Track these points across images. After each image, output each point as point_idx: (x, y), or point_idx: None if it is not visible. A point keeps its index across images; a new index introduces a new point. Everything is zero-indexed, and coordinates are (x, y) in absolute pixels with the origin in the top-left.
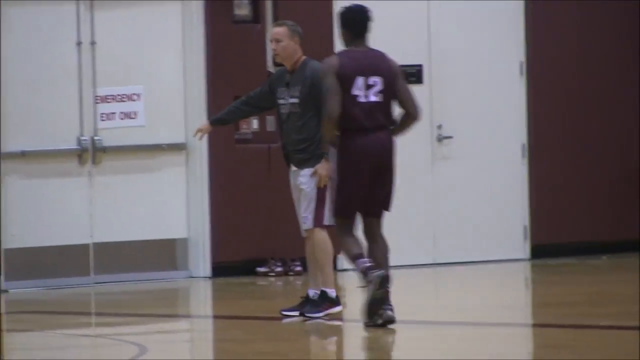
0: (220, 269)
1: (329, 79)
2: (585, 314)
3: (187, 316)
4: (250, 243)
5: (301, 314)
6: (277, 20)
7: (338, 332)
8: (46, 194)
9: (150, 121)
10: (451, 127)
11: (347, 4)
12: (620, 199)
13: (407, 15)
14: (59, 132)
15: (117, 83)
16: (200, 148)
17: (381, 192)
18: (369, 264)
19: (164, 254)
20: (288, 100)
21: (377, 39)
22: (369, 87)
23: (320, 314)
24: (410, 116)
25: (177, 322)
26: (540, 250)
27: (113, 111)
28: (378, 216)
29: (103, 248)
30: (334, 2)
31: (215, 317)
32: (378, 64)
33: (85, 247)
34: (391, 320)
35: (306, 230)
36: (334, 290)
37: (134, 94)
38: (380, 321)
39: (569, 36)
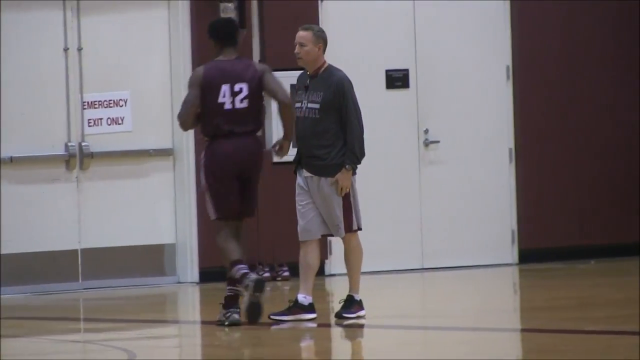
0: (208, 275)
1: (190, 90)
2: (574, 319)
3: (176, 322)
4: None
5: (337, 315)
6: (262, 24)
7: (326, 337)
8: (34, 199)
9: (137, 127)
10: (438, 131)
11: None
12: (608, 203)
13: (393, 20)
14: (47, 138)
15: (104, 89)
16: (187, 153)
17: (252, 196)
18: (245, 270)
19: (151, 259)
20: (306, 104)
21: (363, 43)
22: (235, 94)
23: (354, 315)
24: (281, 103)
25: (165, 327)
26: (528, 254)
27: (100, 117)
28: (242, 219)
29: (91, 254)
30: (319, 6)
31: (204, 322)
32: (244, 71)
33: (73, 252)
34: (237, 323)
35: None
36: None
37: (121, 99)
38: (227, 322)
39: (555, 40)
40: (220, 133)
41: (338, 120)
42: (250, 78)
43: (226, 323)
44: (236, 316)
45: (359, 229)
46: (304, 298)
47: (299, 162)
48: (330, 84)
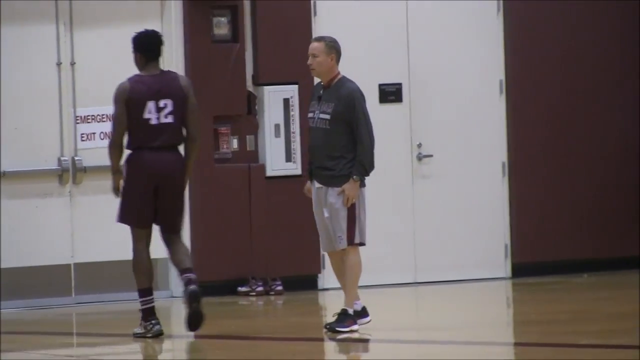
0: (201, 289)
1: (117, 108)
2: (567, 333)
3: (169, 336)
4: (231, 263)
5: (330, 329)
6: (255, 38)
7: (319, 351)
8: (27, 214)
9: None
10: (431, 145)
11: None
12: (601, 217)
13: (387, 34)
14: (40, 153)
15: (97, 103)
16: None
17: (172, 209)
18: (147, 306)
19: None
20: (317, 115)
21: (357, 57)
22: (160, 109)
23: (347, 329)
24: (190, 137)
25: (158, 341)
26: (521, 268)
27: (93, 131)
28: (173, 232)
29: (84, 268)
30: (312, 21)
31: (197, 336)
32: (169, 86)
33: (66, 267)
34: (160, 334)
35: (342, 250)
36: (357, 303)
37: None
38: (149, 335)
39: (549, 54)
40: (144, 146)
41: (349, 131)
42: (175, 94)
43: (149, 335)
44: (158, 327)
45: (362, 243)
46: (354, 305)
47: (311, 173)
48: (341, 95)
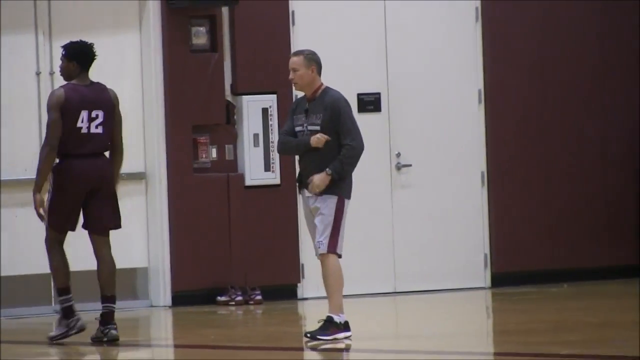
0: (180, 298)
1: (53, 114)
2: (547, 342)
3: (148, 345)
4: (211, 272)
5: (308, 335)
6: (234, 48)
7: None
8: (6, 223)
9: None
10: (410, 155)
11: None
12: (580, 227)
13: (365, 44)
14: (19, 162)
15: None
16: (160, 177)
17: (99, 211)
18: (69, 304)
19: (124, 283)
20: (307, 127)
21: (335, 67)
22: (92, 119)
23: (329, 337)
24: (116, 148)
25: (137, 351)
26: (501, 278)
27: None
28: (100, 233)
29: None
30: (291, 31)
31: (176, 346)
32: (100, 97)
33: (46, 276)
34: (116, 339)
35: (321, 255)
36: (341, 315)
37: None
38: (73, 332)
39: (527, 64)
40: (73, 153)
41: (338, 139)
42: (106, 105)
43: (105, 339)
44: (82, 322)
45: (340, 255)
46: (338, 317)
47: (301, 182)
48: (327, 104)
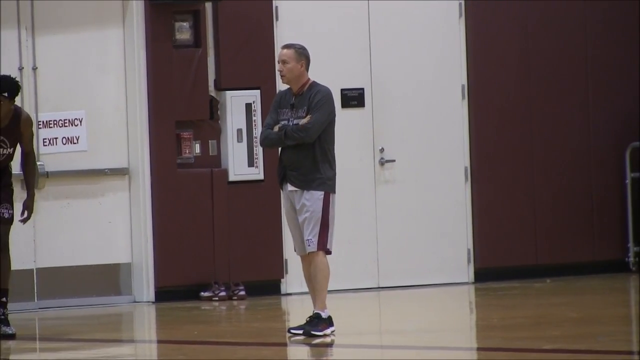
0: (163, 294)
1: None
2: (529, 337)
3: (131, 341)
4: (194, 268)
5: (305, 333)
6: (217, 44)
7: (282, 356)
8: None
9: (92, 146)
10: (393, 150)
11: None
12: (564, 222)
13: (349, 40)
14: None
15: (59, 108)
16: (143, 173)
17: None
18: None
19: (107, 278)
20: (292, 121)
21: (319, 63)
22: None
23: (321, 333)
24: (28, 155)
25: (121, 347)
26: (484, 273)
27: (55, 136)
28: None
29: (47, 273)
30: (274, 26)
31: (160, 342)
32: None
33: (29, 272)
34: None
35: (310, 253)
36: (325, 311)
37: (76, 118)
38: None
39: (511, 59)
40: None
41: (323, 133)
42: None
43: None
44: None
45: (329, 252)
46: (323, 313)
47: (284, 177)
48: (312, 98)
